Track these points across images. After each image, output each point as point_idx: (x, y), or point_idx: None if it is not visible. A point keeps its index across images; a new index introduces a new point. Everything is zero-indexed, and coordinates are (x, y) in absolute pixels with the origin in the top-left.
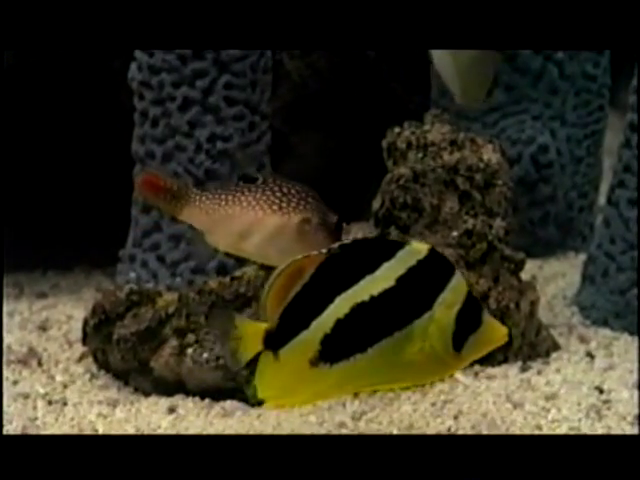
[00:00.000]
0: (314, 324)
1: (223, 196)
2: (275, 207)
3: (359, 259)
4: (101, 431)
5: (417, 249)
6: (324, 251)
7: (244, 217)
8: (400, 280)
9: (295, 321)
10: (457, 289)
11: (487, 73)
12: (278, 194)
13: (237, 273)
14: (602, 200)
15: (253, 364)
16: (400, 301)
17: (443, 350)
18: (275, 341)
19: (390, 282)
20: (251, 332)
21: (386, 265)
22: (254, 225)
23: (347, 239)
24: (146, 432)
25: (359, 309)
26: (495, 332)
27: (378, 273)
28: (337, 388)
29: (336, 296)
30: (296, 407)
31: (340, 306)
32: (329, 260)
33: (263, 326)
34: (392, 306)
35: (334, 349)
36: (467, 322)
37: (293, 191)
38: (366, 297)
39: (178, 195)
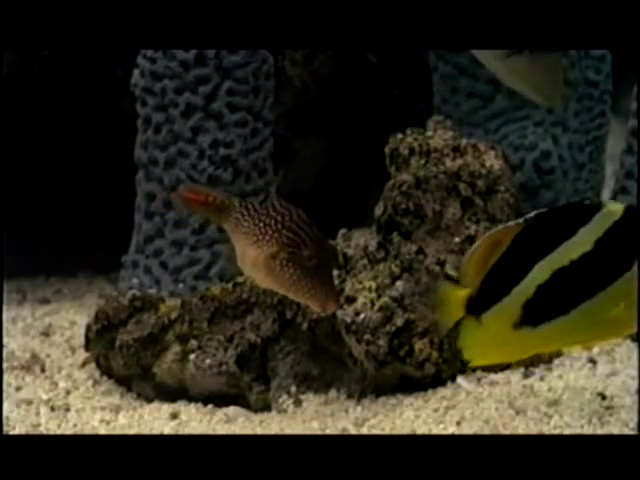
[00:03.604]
0: (515, 290)
1: (239, 215)
2: (254, 239)
3: (555, 226)
4: None
5: (613, 210)
6: (520, 221)
7: (245, 245)
8: (598, 243)
9: (495, 288)
10: None
11: (554, 74)
12: (260, 224)
13: (239, 279)
14: None
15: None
16: (599, 264)
17: None
18: (477, 306)
19: (588, 246)
20: (453, 298)
21: (583, 230)
22: (242, 255)
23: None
24: None
25: (559, 274)
26: None
27: (576, 238)
28: (538, 348)
29: (535, 264)
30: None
31: (540, 273)
32: (526, 230)
33: (464, 292)
34: (592, 269)
35: (537, 313)
36: None
37: (272, 221)
38: (566, 262)
39: (221, 207)
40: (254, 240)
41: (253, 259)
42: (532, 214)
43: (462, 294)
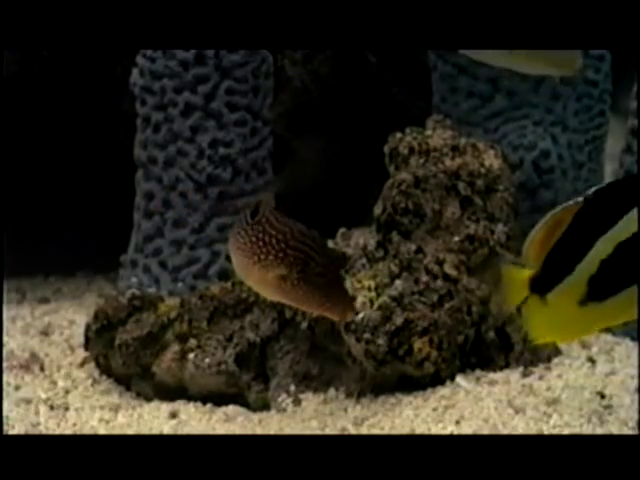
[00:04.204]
0: (578, 268)
1: (235, 228)
2: (255, 258)
3: (614, 201)
4: None
5: None
6: (580, 199)
7: (239, 259)
8: None
9: (558, 267)
10: None
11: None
12: (260, 243)
13: (238, 278)
14: None
15: None
16: None
17: None
18: (541, 286)
19: None
20: (517, 279)
21: None
22: (244, 269)
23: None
24: None
25: (621, 248)
26: None
27: (635, 211)
28: (604, 323)
29: (596, 240)
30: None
31: (602, 248)
32: (585, 207)
33: (528, 273)
34: None
35: (602, 288)
36: None
37: (274, 240)
38: (627, 235)
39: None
40: (255, 259)
41: (258, 277)
42: (591, 191)
43: (526, 275)
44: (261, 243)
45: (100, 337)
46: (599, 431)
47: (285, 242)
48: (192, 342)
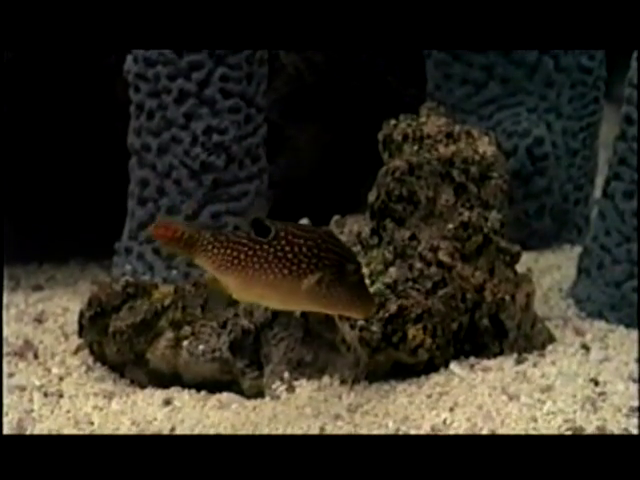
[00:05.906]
0: None
1: (235, 252)
2: (285, 271)
3: None
4: (97, 423)
5: None
6: None
7: (256, 279)
8: None
9: None
10: None
11: None
12: (289, 255)
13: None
14: (597, 193)
15: None
16: None
17: None
18: None
19: None
20: None
21: None
22: (266, 288)
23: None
24: (142, 424)
25: None
26: None
27: None
28: None
29: None
30: None
31: None
32: None
33: None
34: None
35: None
36: None
37: (304, 249)
38: None
39: (190, 242)
40: (286, 273)
41: (288, 291)
42: None
43: None
44: (291, 255)
45: (94, 324)
46: (592, 418)
47: (317, 247)
48: (186, 329)
